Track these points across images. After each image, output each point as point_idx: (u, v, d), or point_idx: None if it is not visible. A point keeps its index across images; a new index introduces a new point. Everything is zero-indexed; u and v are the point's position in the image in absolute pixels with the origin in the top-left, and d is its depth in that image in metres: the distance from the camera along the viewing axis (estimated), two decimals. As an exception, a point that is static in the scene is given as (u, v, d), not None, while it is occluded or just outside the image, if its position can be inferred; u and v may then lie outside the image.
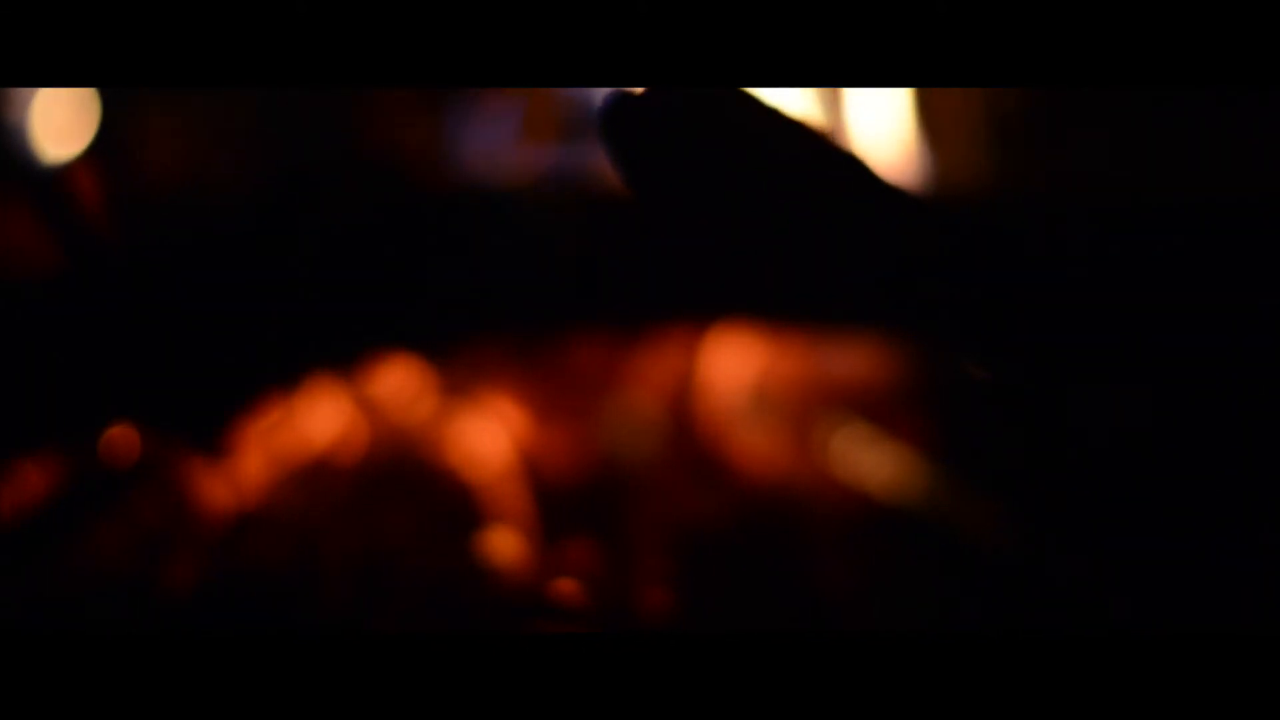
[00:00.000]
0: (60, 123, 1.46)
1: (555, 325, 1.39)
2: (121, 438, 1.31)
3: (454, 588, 1.26)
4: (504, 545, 1.28)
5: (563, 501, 1.32)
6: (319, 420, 1.35)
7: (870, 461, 1.35)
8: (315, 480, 1.32)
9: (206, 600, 1.23)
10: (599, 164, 1.40)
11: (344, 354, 1.36)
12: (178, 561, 1.25)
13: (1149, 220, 1.38)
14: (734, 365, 1.43)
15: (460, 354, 1.38)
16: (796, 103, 1.42)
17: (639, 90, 0.86)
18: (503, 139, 1.44)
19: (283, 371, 1.36)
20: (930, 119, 1.44)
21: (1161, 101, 1.38)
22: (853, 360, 1.41)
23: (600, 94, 1.19)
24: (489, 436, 1.36)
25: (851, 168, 0.86)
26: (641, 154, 0.84)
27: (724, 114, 0.84)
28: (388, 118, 1.44)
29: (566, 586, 1.25)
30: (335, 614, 1.23)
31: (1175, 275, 1.29)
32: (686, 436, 1.38)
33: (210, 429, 1.32)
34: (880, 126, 1.45)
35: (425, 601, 1.25)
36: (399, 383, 1.37)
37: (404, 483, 1.32)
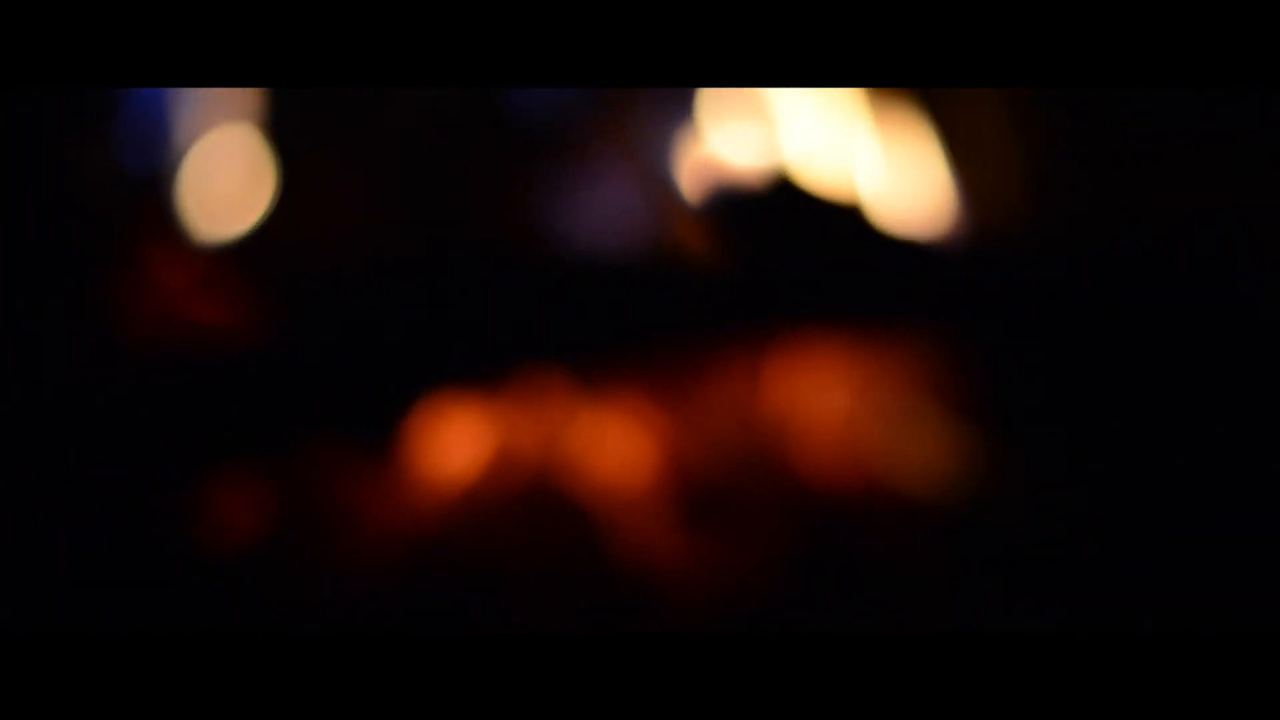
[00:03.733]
0: (233, 194, 1.54)
1: (688, 341, 1.46)
2: (300, 456, 1.40)
3: (587, 588, 1.33)
4: (640, 545, 1.35)
5: (698, 502, 1.37)
6: (472, 432, 1.42)
7: (939, 462, 1.38)
8: (472, 489, 1.39)
9: (379, 601, 1.32)
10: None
11: (493, 370, 1.44)
12: (352, 565, 1.34)
13: (1176, 237, 1.42)
14: (823, 374, 1.45)
15: (603, 367, 1.44)
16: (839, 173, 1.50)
17: (737, 180, 1.07)
18: (616, 210, 1.54)
19: (440, 388, 1.44)
20: (964, 155, 1.50)
21: (1193, 116, 1.40)
22: (927, 364, 1.43)
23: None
24: (628, 444, 1.41)
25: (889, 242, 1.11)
26: (739, 235, 1.06)
27: (797, 202, 1.08)
28: (519, 193, 1.54)
29: (704, 584, 1.31)
30: (494, 614, 1.31)
31: (1209, 292, 1.37)
32: (802, 440, 1.41)
33: (378, 442, 1.41)
34: (916, 165, 1.50)
35: (563, 601, 1.32)
36: (544, 394, 1.44)
37: (547, 491, 1.38)
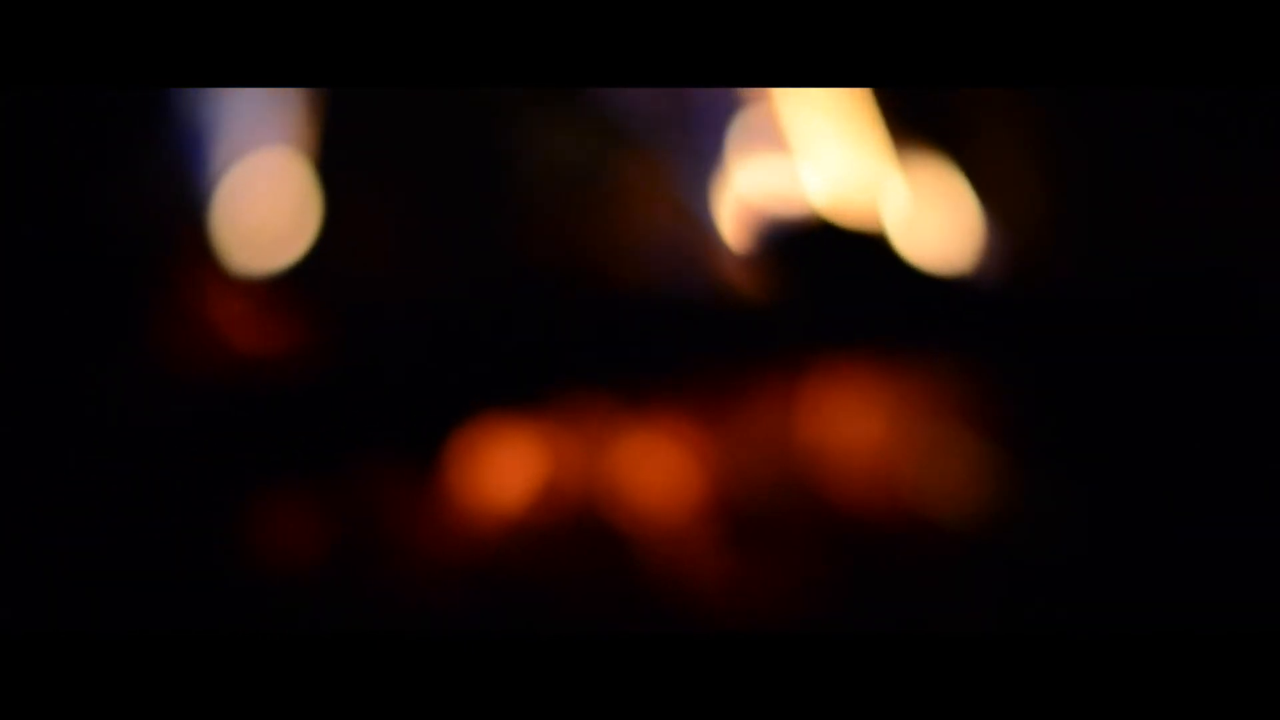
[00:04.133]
0: (280, 222, 1.55)
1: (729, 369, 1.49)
2: (349, 480, 1.43)
3: (627, 605, 1.36)
4: (680, 564, 1.38)
5: (737, 524, 1.40)
6: (517, 455, 1.45)
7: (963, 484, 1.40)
8: (517, 511, 1.42)
9: (426, 617, 1.36)
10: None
11: (539, 395, 1.47)
12: (400, 583, 1.38)
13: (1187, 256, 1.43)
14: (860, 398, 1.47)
15: (646, 393, 1.46)
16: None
17: (772, 215, 1.12)
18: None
19: (487, 413, 1.47)
20: (991, 187, 1.51)
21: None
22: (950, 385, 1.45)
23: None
24: (670, 467, 1.43)
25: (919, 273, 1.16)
26: (776, 268, 1.12)
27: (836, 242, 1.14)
28: (565, 222, 1.58)
29: (742, 603, 1.34)
30: (534, 626, 1.33)
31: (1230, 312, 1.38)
32: (836, 460, 1.43)
33: (425, 466, 1.43)
34: (947, 201, 1.53)
35: (607, 609, 1.35)
36: (589, 418, 1.47)
37: (590, 512, 1.41)
